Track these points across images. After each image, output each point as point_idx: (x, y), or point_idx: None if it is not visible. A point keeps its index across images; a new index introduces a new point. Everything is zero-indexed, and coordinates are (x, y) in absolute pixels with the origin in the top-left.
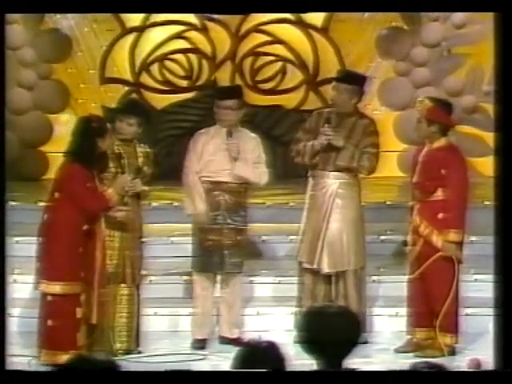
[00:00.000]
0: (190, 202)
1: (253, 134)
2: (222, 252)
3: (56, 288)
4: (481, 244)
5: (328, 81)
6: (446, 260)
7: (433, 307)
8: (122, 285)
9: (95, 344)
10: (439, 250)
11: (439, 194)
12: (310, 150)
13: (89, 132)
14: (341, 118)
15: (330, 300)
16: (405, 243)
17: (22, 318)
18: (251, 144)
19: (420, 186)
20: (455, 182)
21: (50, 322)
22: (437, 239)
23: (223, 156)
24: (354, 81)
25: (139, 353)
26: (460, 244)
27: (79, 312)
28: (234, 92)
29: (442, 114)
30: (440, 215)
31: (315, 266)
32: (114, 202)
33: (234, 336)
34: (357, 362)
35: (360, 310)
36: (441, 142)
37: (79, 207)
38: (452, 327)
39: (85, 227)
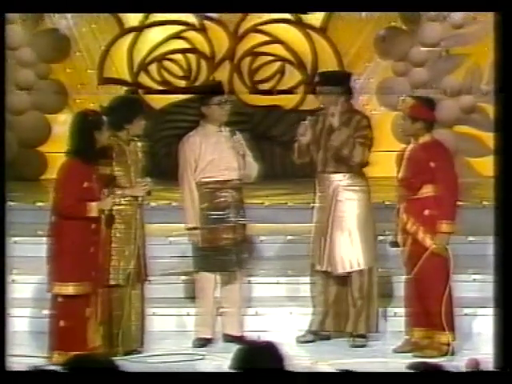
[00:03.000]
0: (186, 217)
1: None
2: (237, 249)
3: (69, 289)
4: (479, 244)
5: None
6: (439, 258)
7: (429, 306)
8: (137, 284)
9: (108, 344)
10: (427, 247)
11: (425, 191)
12: (295, 149)
13: (86, 126)
14: (335, 117)
15: (341, 300)
16: (393, 244)
17: (20, 318)
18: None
19: (406, 182)
20: (444, 175)
21: (62, 323)
22: (423, 236)
23: (225, 154)
24: (335, 81)
25: (139, 353)
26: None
27: (90, 312)
28: (221, 87)
29: (426, 110)
30: (426, 212)
31: (324, 269)
32: (92, 215)
33: (240, 334)
34: (356, 362)
35: (369, 310)
36: (426, 138)
37: (56, 202)
38: (448, 325)
39: (93, 226)
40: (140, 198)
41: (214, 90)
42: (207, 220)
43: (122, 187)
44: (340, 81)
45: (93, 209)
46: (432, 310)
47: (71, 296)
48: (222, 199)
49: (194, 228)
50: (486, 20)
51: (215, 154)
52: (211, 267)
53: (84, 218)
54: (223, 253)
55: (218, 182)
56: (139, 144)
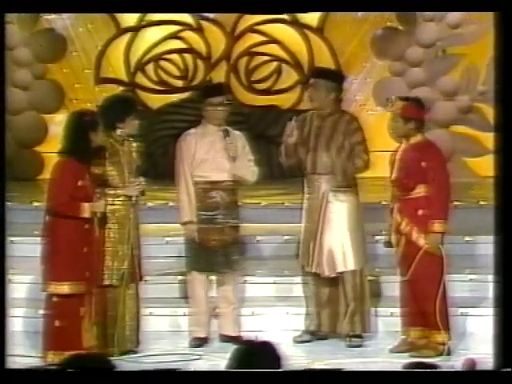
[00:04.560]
0: (181, 211)
1: (237, 132)
2: (226, 250)
3: (64, 288)
4: (476, 244)
5: None
6: (432, 257)
7: (424, 306)
8: (131, 284)
9: (103, 344)
10: (420, 247)
11: (418, 191)
12: (282, 150)
13: (82, 126)
14: (322, 118)
15: (334, 301)
16: (387, 244)
17: (16, 318)
18: (240, 142)
19: (399, 183)
20: (436, 175)
21: (57, 323)
22: (417, 236)
23: (219, 155)
24: (330, 77)
25: (134, 353)
26: (442, 237)
27: (85, 312)
28: (222, 88)
29: (417, 110)
30: (420, 212)
31: (313, 270)
32: (84, 215)
33: (236, 334)
34: (352, 362)
35: (364, 310)
36: (417, 138)
37: (50, 200)
38: (443, 324)
39: (86, 226)
40: (133, 198)
41: (213, 91)
42: (198, 219)
43: (115, 187)
44: (335, 78)
45: (86, 210)
46: (427, 310)
47: (66, 295)
48: (212, 200)
49: (190, 222)
50: (482, 20)
51: (209, 154)
52: (201, 267)
53: (77, 218)
54: (211, 254)
55: (208, 182)
56: (134, 144)
